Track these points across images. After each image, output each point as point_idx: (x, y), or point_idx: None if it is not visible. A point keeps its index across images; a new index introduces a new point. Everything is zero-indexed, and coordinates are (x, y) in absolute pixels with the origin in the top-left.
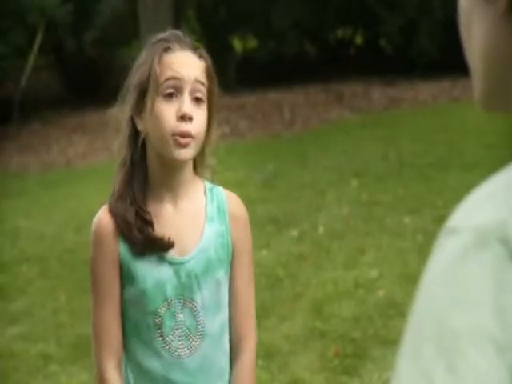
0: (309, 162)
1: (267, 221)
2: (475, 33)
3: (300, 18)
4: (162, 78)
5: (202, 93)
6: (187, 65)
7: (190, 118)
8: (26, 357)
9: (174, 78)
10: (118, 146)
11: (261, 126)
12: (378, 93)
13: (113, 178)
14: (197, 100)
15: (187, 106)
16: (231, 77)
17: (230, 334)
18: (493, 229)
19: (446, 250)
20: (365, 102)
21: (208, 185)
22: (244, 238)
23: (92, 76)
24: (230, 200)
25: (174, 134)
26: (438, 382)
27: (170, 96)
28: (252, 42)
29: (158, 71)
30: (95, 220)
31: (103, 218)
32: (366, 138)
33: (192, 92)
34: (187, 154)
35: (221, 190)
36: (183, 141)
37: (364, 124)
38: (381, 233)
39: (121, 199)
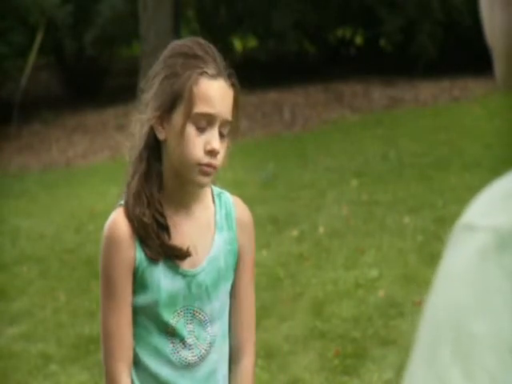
0: (309, 161)
1: (267, 221)
2: (496, 14)
3: (300, 18)
4: (196, 110)
5: (227, 128)
6: (221, 99)
7: (217, 153)
8: (26, 357)
9: (208, 114)
10: (131, 148)
11: (261, 126)
12: (378, 93)
13: (115, 180)
14: (221, 132)
15: (216, 142)
16: None
17: (230, 338)
18: None
19: (464, 249)
20: (365, 102)
21: (215, 190)
22: (249, 243)
23: (92, 76)
24: (236, 206)
25: (199, 164)
26: None
27: (200, 123)
28: (252, 42)
29: (193, 98)
30: (110, 222)
31: (119, 220)
32: (366, 138)
33: (220, 127)
34: (208, 181)
35: (228, 196)
36: (209, 170)
37: (364, 124)
38: (381, 233)
39: (137, 201)
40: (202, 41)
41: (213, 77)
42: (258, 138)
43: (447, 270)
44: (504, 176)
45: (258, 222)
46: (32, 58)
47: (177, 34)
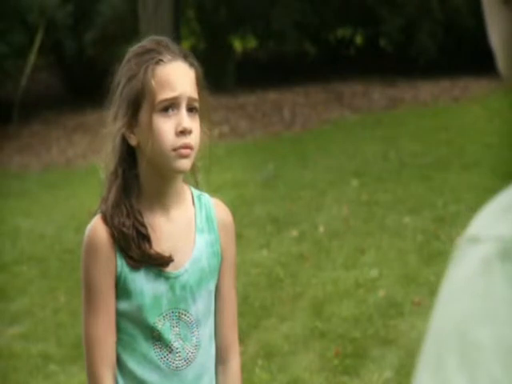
0: (309, 161)
1: (267, 221)
2: (494, 24)
3: (300, 18)
4: (159, 98)
5: (196, 105)
6: (181, 79)
7: (190, 132)
8: (26, 357)
9: (172, 98)
10: (105, 159)
11: (261, 126)
12: (378, 93)
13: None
14: (191, 110)
15: (186, 120)
16: (231, 77)
17: (216, 340)
18: None
19: (468, 260)
20: (365, 102)
21: (195, 192)
22: (231, 245)
23: (92, 76)
24: (217, 208)
25: (174, 149)
26: None
27: (166, 110)
28: (252, 42)
29: (153, 88)
30: (90, 230)
31: (99, 228)
32: (366, 138)
33: (187, 106)
34: (188, 164)
35: (208, 198)
36: (185, 152)
37: (364, 124)
38: (381, 233)
39: (116, 211)
40: (154, 37)
41: (168, 61)
42: (258, 138)
43: (452, 281)
44: (504, 190)
45: (258, 222)
46: (32, 58)
47: (177, 34)
